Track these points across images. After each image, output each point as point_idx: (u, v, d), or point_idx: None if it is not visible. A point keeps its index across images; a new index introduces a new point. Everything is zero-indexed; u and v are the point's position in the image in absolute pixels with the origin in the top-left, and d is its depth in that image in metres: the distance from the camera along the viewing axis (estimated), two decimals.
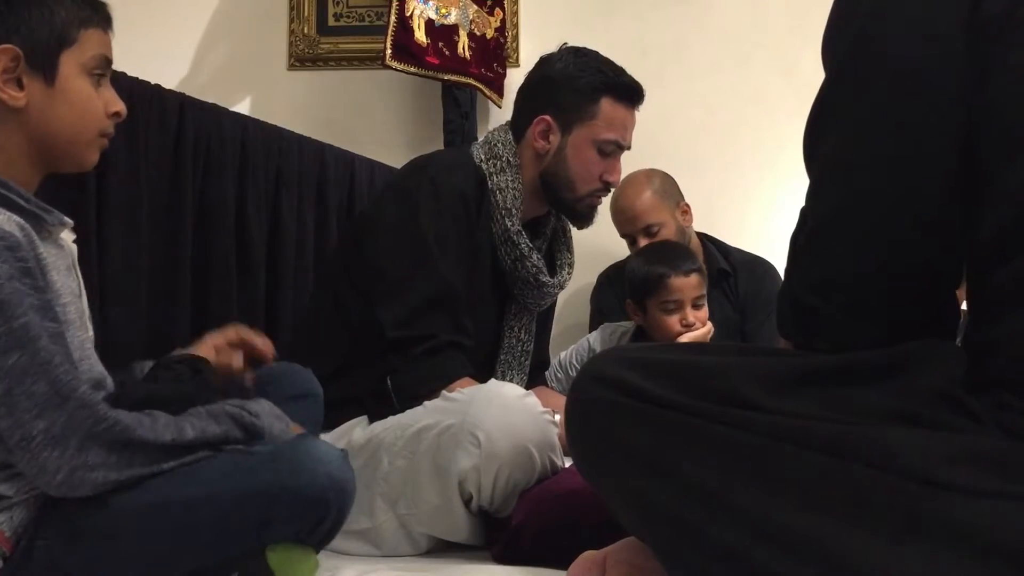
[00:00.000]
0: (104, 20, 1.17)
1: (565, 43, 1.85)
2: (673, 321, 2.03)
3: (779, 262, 2.27)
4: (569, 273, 1.94)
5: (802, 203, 0.94)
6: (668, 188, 2.43)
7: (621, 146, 1.81)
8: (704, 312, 2.07)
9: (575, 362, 2.19)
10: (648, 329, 2.10)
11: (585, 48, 1.83)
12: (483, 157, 1.77)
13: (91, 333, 1.17)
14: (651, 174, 2.43)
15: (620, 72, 1.80)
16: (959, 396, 0.81)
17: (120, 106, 1.18)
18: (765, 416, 0.82)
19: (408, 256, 1.61)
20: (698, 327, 2.03)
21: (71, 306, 1.09)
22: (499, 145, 1.77)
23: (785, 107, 2.60)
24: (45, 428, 0.94)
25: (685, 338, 2.01)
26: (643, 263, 2.09)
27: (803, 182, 0.92)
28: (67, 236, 1.15)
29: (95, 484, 0.99)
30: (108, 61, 1.17)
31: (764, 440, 0.81)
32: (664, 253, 2.11)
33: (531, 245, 1.76)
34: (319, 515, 1.09)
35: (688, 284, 2.03)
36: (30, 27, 1.09)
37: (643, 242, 2.32)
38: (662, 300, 2.03)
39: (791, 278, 0.94)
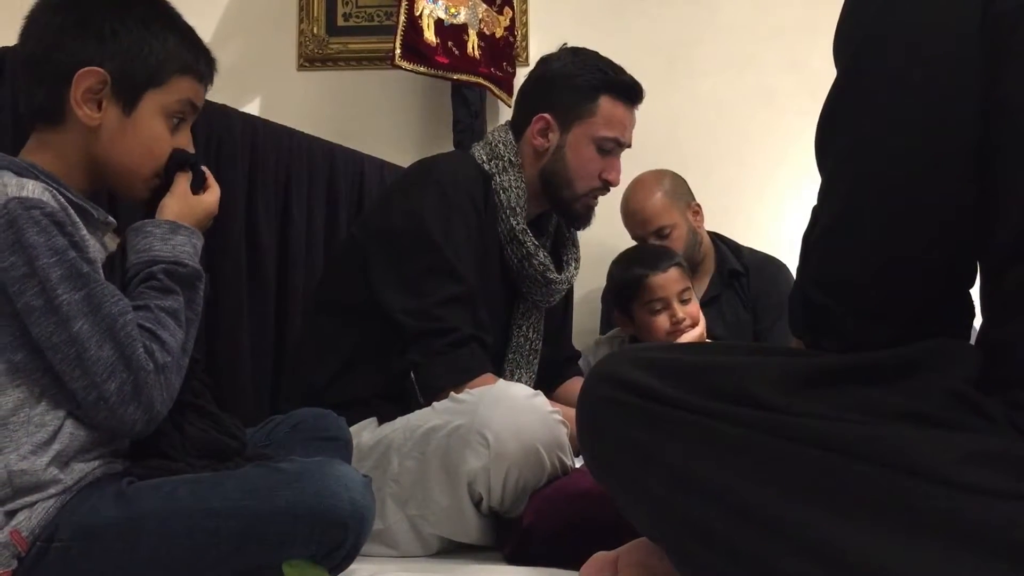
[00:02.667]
0: (205, 70, 1.21)
1: (565, 43, 1.86)
2: (662, 320, 1.97)
3: (791, 261, 2.26)
4: (576, 268, 1.94)
5: (814, 202, 0.93)
6: (678, 189, 2.41)
7: (621, 144, 1.82)
8: (693, 307, 2.00)
9: None
10: (640, 336, 2.04)
11: (584, 48, 1.84)
12: (485, 158, 1.78)
13: None
14: (660, 175, 2.42)
15: (619, 71, 1.81)
16: (973, 396, 0.81)
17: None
18: (777, 416, 0.81)
19: (421, 259, 1.61)
20: (688, 324, 1.97)
21: None
22: (500, 145, 1.78)
23: (796, 105, 2.59)
24: (117, 388, 1.02)
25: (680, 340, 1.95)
26: (621, 270, 2.05)
27: (815, 180, 0.92)
28: (110, 240, 1.17)
29: (164, 414, 1.09)
30: (194, 107, 1.21)
31: (776, 440, 0.80)
32: (639, 255, 2.07)
33: (537, 243, 1.77)
34: (338, 539, 1.09)
35: (669, 280, 1.97)
36: (126, 58, 1.13)
37: None
38: (646, 302, 1.98)
39: (803, 277, 0.93)
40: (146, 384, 1.03)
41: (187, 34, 1.20)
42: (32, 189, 1.03)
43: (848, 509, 0.75)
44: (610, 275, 2.10)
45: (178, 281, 1.12)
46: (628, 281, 2.00)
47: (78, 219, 1.07)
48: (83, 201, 1.10)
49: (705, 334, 2.02)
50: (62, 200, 1.05)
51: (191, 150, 1.22)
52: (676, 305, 1.97)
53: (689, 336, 1.97)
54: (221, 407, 1.23)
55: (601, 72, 1.78)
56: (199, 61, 1.20)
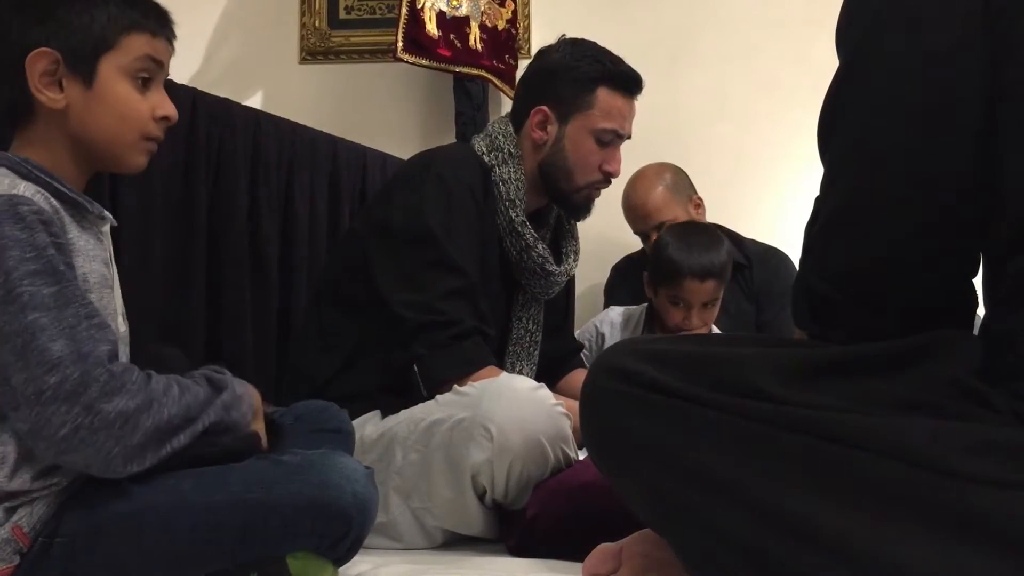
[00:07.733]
0: (155, 25, 1.17)
1: (563, 35, 1.86)
2: (676, 314, 2.05)
3: (793, 252, 2.26)
4: (575, 261, 1.94)
5: (816, 193, 0.93)
6: (680, 182, 2.42)
7: (620, 135, 1.81)
8: (710, 313, 2.07)
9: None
10: (655, 307, 2.13)
11: (583, 39, 1.83)
12: (484, 149, 1.77)
13: (124, 329, 1.17)
14: (662, 169, 2.42)
15: (617, 62, 1.80)
16: (976, 386, 0.80)
17: (168, 110, 1.17)
18: (780, 407, 0.81)
19: (423, 252, 1.61)
20: (697, 326, 2.04)
21: (104, 299, 1.10)
22: (499, 137, 1.78)
23: (799, 96, 2.58)
24: (57, 383, 0.93)
25: None
26: (672, 249, 2.04)
27: (817, 171, 0.92)
28: (106, 235, 1.16)
29: (94, 449, 0.96)
30: (157, 63, 1.17)
31: (779, 431, 0.80)
32: (694, 245, 2.04)
33: (536, 235, 1.77)
34: (341, 531, 1.09)
35: (701, 289, 2.02)
36: (68, 32, 1.10)
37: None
38: (672, 293, 2.04)
39: (806, 268, 0.93)
40: (96, 381, 0.94)
41: None
42: (24, 190, 1.01)
43: (854, 500, 0.75)
44: (661, 240, 2.10)
45: (210, 385, 1.10)
46: (670, 267, 2.03)
47: (69, 220, 1.05)
48: (77, 195, 1.08)
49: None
50: (54, 203, 1.03)
51: (169, 109, 1.17)
52: (695, 311, 2.04)
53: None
54: None
55: (599, 63, 1.78)
56: (147, 16, 1.16)
